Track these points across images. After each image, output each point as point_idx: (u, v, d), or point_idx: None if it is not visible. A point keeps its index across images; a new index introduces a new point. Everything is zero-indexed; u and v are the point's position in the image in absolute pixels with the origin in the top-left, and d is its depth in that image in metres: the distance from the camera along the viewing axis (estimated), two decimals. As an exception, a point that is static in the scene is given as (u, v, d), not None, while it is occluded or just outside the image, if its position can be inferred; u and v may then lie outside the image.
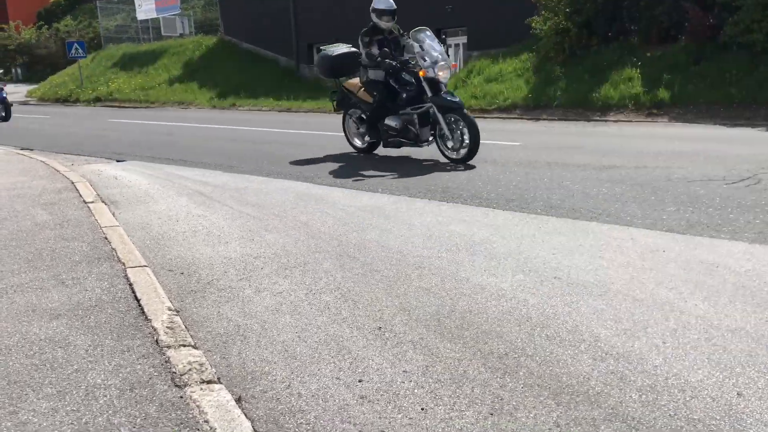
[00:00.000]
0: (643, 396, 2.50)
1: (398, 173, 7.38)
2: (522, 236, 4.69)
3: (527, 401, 2.50)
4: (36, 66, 45.24)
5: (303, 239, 4.81)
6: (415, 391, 2.61)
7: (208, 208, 5.98)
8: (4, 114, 18.98)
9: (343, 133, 9.41)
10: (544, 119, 13.07)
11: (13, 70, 47.23)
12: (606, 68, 13.67)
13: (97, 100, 28.13)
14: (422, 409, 2.48)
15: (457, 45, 22.34)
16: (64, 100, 29.76)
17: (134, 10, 37.08)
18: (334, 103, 9.34)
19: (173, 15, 35.25)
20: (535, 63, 15.36)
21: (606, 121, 12.19)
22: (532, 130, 11.44)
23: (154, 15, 35.19)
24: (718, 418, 2.32)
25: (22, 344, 2.97)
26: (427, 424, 2.37)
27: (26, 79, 43.30)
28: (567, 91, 13.56)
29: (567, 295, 3.52)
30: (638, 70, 13.05)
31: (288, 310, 3.48)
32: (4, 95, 19.08)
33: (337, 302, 3.56)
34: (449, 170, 7.44)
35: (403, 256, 4.32)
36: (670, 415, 2.36)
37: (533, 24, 15.46)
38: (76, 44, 30.43)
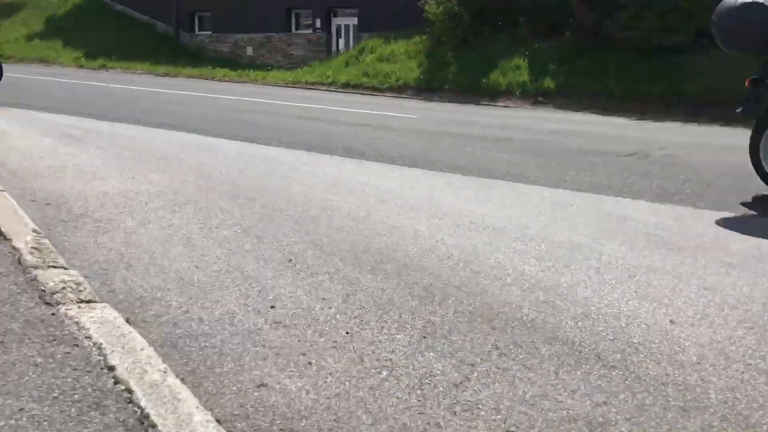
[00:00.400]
0: (579, 323, 2.35)
1: (296, 131, 6.98)
2: (432, 188, 4.50)
3: (461, 326, 2.27)
4: None
5: (192, 180, 4.33)
6: (337, 317, 2.30)
7: (78, 148, 5.29)
8: None
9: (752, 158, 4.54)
10: (436, 101, 13.13)
11: None
12: (496, 56, 13.96)
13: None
14: (347, 333, 2.17)
15: (347, 26, 22.09)
16: None
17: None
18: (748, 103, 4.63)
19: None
20: (428, 46, 15.41)
21: (495, 105, 12.42)
22: (427, 108, 11.41)
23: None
24: (657, 341, 2.22)
25: None
26: (355, 347, 2.07)
27: None
28: (458, 76, 13.70)
29: (485, 237, 3.36)
30: (526, 60, 13.44)
31: (180, 242, 3.04)
32: None
33: (238, 236, 3.17)
34: (346, 133, 7.14)
35: (308, 199, 3.98)
36: (610, 339, 2.23)
37: (426, 8, 15.51)
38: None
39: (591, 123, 9.46)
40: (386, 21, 18.64)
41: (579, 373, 1.99)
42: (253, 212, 3.60)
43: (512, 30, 14.72)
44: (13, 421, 1.47)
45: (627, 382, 1.93)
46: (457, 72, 13.92)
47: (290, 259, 2.87)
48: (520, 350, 2.11)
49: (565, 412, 1.77)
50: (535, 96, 12.50)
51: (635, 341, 2.22)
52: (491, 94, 13.00)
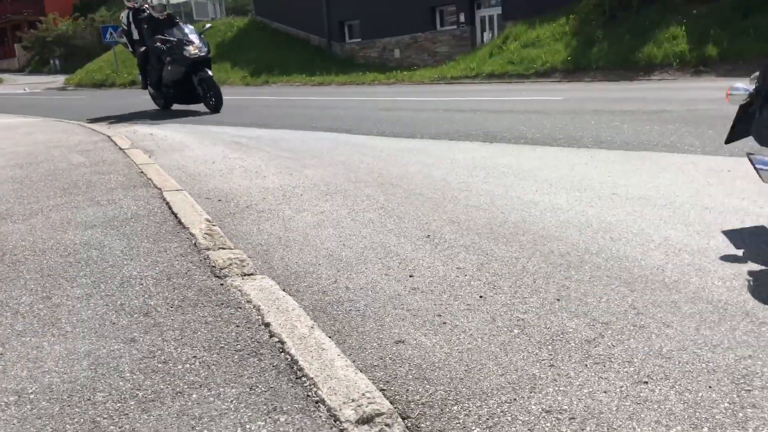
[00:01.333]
0: (728, 282, 2.25)
1: (438, 122, 7.14)
2: (573, 164, 4.43)
3: (596, 289, 2.27)
4: (73, 57, 45.65)
5: (342, 173, 4.63)
6: (472, 283, 2.41)
7: (245, 153, 5.84)
8: None
9: None
10: (585, 81, 12.65)
11: (51, 62, 47.87)
12: (648, 28, 13.14)
13: (133, 83, 28.38)
14: (480, 296, 2.27)
15: (491, 17, 21.90)
16: (100, 85, 30.13)
17: (166, -2, 37.38)
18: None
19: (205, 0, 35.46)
20: (575, 26, 14.88)
21: (650, 80, 11.72)
22: (575, 89, 11.04)
23: (186, -1, 35.41)
24: (816, 299, 2.07)
25: (57, 247, 2.85)
26: (487, 309, 2.17)
27: (64, 70, 43.73)
28: (608, 53, 13.09)
29: (628, 207, 3.27)
30: (683, 28, 12.51)
31: (330, 224, 3.31)
32: None
33: (382, 218, 3.37)
34: (488, 120, 7.16)
35: (448, 183, 4.11)
36: (763, 297, 2.12)
37: (572, -13, 14.99)
38: (110, 29, 30.69)
39: (761, 87, 8.60)
40: (530, 6, 18.26)
41: (723, 328, 1.92)
42: (395, 197, 3.80)
43: (665, -2, 13.79)
44: (188, 365, 1.75)
45: (774, 335, 1.84)
46: (607, 49, 13.32)
47: (428, 235, 3.01)
48: (658, 309, 2.08)
49: (704, 365, 1.73)
50: (695, 66, 11.62)
51: (791, 300, 2.09)
52: (645, 69, 12.29)
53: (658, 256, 2.55)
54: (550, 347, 1.88)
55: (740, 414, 1.51)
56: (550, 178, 4.02)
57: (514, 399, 1.62)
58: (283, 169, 4.89)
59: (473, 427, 1.51)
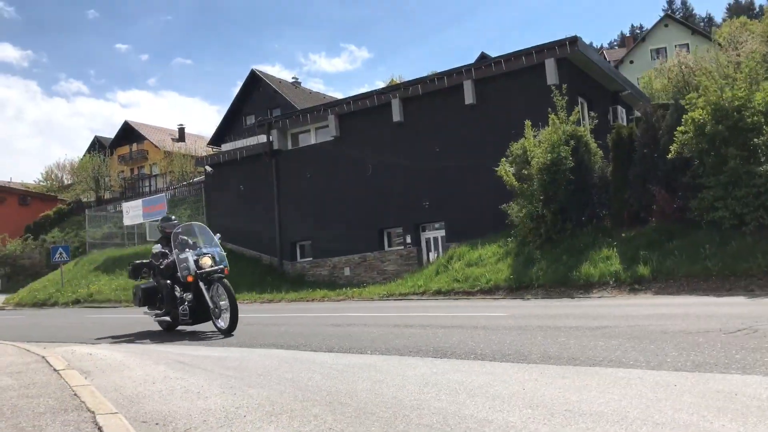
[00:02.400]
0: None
1: (388, 338, 7.13)
2: (524, 380, 4.41)
3: None
4: (17, 276, 44.99)
5: (289, 391, 4.48)
6: None
7: (187, 372, 5.62)
8: None
9: None
10: (528, 298, 13.09)
11: (-8, 281, 46.88)
12: (583, 249, 14.06)
13: (77, 302, 27.84)
14: None
15: (435, 238, 23.14)
16: (42, 304, 29.38)
17: (122, 219, 38.37)
18: None
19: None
20: (514, 247, 15.79)
21: (590, 296, 12.23)
22: (518, 306, 11.38)
23: (140, 221, 36.34)
24: None
25: (-33, 482, 2.56)
26: None
27: (6, 290, 42.66)
28: (547, 272, 13.77)
29: (581, 423, 3.23)
30: (615, 249, 13.43)
31: (275, 449, 3.11)
32: None
33: (330, 440, 3.20)
34: (438, 336, 7.21)
35: (399, 400, 4.00)
36: None
37: (509, 211, 16.18)
38: (60, 249, 30.94)
39: (691, 305, 9.11)
40: (471, 229, 19.51)
41: None
42: (345, 416, 3.65)
43: (595, 222, 14.97)
44: None
45: None
46: (546, 268, 14.03)
47: (380, 458, 2.86)
48: None
49: None
50: (630, 284, 12.28)
51: None
52: (584, 287, 12.89)
53: (617, 476, 2.46)
54: None
55: None
56: (502, 395, 3.97)
57: None
58: (227, 389, 4.69)
59: None
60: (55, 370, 5.64)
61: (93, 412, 3.68)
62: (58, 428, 3.37)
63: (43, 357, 6.65)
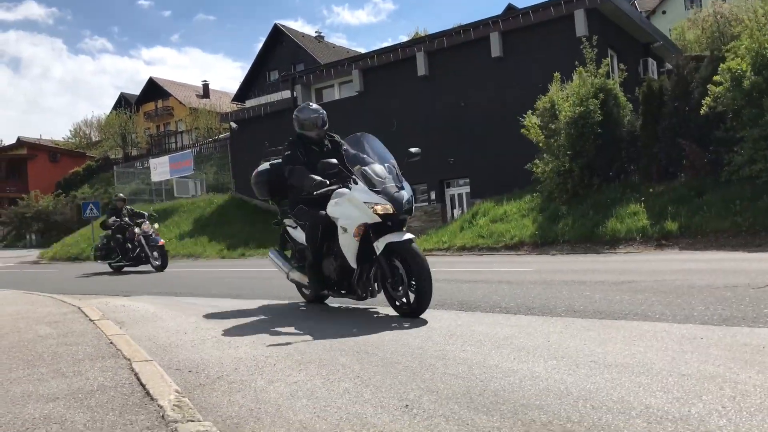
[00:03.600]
0: (714, 451, 2.19)
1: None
2: (549, 333, 4.45)
3: (582, 460, 2.19)
4: (50, 232, 46.05)
5: (316, 340, 4.57)
6: (453, 455, 2.30)
7: (218, 323, 5.76)
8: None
9: None
10: (553, 254, 13.07)
11: (28, 237, 48.13)
12: (610, 205, 13.91)
13: (108, 256, 28.48)
14: (463, 469, 2.17)
15: (460, 195, 23.06)
16: (75, 258, 30.15)
17: (150, 176, 38.87)
18: None
19: (186, 177, 36.88)
20: (540, 203, 15.69)
21: (616, 252, 12.17)
22: (544, 261, 11.37)
23: (168, 177, 36.80)
24: (806, 466, 2.02)
25: (14, 422, 2.69)
26: (470, 482, 2.05)
27: (40, 245, 43.87)
28: (573, 228, 13.69)
29: (606, 374, 3.25)
30: (642, 205, 13.27)
31: (304, 395, 3.20)
32: None
33: (358, 388, 3.28)
34: (462, 290, 7.26)
35: (424, 351, 4.07)
36: (749, 465, 2.06)
37: (534, 169, 16.02)
38: (91, 204, 31.41)
39: (719, 260, 9.01)
40: (497, 185, 19.38)
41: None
42: (371, 365, 3.73)
43: (623, 178, 14.75)
44: None
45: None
46: (572, 224, 13.94)
47: (407, 405, 2.93)
48: (646, 480, 2.00)
49: None
50: (657, 239, 12.16)
51: (780, 467, 2.03)
52: (611, 242, 12.80)
53: (641, 424, 2.49)
54: None
55: None
56: (527, 346, 4.01)
57: None
58: (257, 339, 4.81)
59: None
60: (90, 320, 5.82)
61: (129, 360, 3.80)
62: (96, 373, 3.50)
63: (79, 308, 6.86)
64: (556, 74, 16.19)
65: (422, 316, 5.30)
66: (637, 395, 2.86)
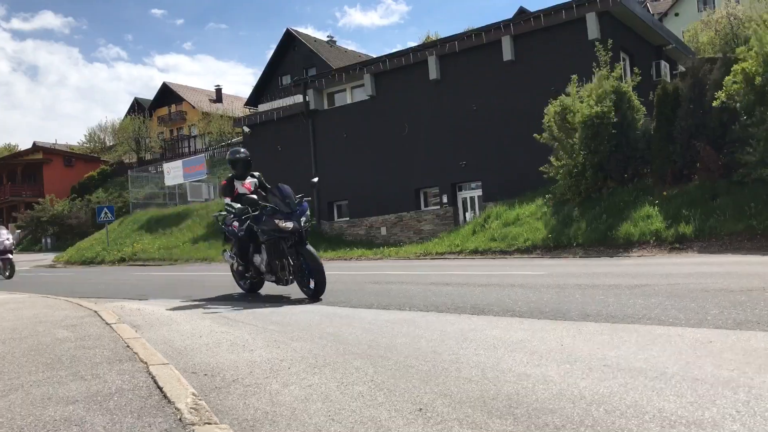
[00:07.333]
0: (728, 455, 2.20)
1: (426, 295, 7.23)
2: (562, 337, 4.45)
3: (595, 463, 2.20)
4: (65, 236, 46.48)
5: (331, 345, 4.61)
6: (467, 458, 2.32)
7: (232, 327, 5.82)
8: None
9: None
10: (566, 257, 13.03)
11: (43, 240, 48.61)
12: (623, 208, 13.86)
13: (122, 260, 28.77)
14: (477, 472, 2.19)
15: (472, 198, 23.04)
16: (90, 262, 30.44)
17: (163, 180, 39.16)
18: None
19: (200, 181, 37.14)
20: (552, 207, 15.64)
21: (629, 256, 12.12)
22: (556, 264, 11.35)
23: (181, 181, 37.06)
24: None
25: (35, 424, 2.74)
26: (484, 485, 2.08)
27: (55, 248, 44.31)
28: (586, 231, 13.65)
29: (620, 378, 3.26)
30: (656, 208, 13.20)
31: (319, 398, 3.24)
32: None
33: (372, 391, 3.31)
34: (474, 293, 7.28)
35: (438, 354, 4.09)
36: (763, 470, 2.06)
37: (548, 171, 15.96)
38: (105, 209, 31.74)
39: (734, 263, 8.95)
40: (509, 189, 19.35)
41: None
42: (385, 369, 3.76)
43: (636, 181, 14.69)
44: None
45: None
46: (585, 227, 13.90)
47: (420, 409, 2.95)
48: (660, 484, 2.01)
49: None
50: (671, 243, 12.09)
51: (794, 472, 2.03)
52: (624, 246, 12.75)
53: (654, 429, 2.50)
54: None
55: None
56: (540, 350, 4.02)
57: None
58: (271, 342, 4.86)
59: None
60: (107, 323, 5.89)
61: (146, 363, 3.86)
62: (114, 376, 3.55)
63: (96, 312, 6.95)
64: (574, 77, 16.11)
65: (435, 319, 5.36)
66: (651, 399, 2.87)
